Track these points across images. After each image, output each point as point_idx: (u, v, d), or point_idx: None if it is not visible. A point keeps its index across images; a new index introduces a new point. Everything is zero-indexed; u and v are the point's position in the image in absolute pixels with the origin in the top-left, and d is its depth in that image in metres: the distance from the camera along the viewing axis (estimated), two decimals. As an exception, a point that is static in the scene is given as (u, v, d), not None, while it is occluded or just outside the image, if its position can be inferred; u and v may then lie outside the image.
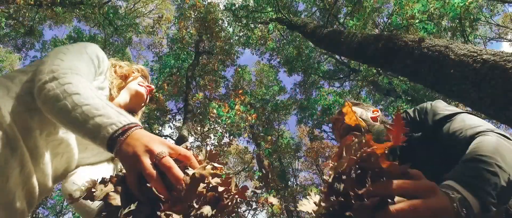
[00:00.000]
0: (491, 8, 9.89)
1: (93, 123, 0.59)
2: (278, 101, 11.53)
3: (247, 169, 11.30)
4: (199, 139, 9.03)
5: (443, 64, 1.54)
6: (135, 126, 0.59)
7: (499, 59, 1.24)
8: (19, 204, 0.72)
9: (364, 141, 0.45)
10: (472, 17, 6.16)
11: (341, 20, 7.52)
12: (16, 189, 0.71)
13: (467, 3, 5.23)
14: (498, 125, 10.18)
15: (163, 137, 10.48)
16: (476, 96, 1.37)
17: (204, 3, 9.48)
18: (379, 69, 7.67)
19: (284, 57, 9.85)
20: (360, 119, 1.05)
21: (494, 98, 1.28)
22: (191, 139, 8.78)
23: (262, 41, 9.63)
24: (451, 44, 1.59)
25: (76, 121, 0.61)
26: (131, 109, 1.05)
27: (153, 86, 1.16)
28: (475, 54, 1.37)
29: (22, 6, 7.23)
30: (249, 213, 8.19)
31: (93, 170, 0.96)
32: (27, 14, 8.13)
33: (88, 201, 0.56)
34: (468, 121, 0.83)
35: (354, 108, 1.26)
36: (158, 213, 0.50)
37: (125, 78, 1.07)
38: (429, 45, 1.70)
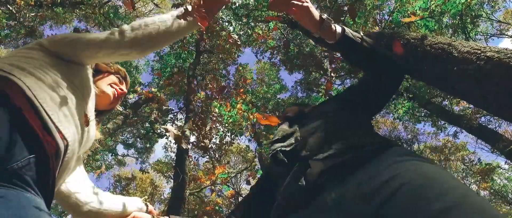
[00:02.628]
0: (493, 4, 9.81)
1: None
2: (279, 100, 11.51)
3: (249, 168, 11.31)
4: (200, 138, 9.00)
5: (446, 61, 1.52)
6: None
7: (503, 57, 1.23)
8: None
9: None
10: (473, 13, 6.13)
11: (342, 18, 7.48)
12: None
13: (468, 0, 5.20)
14: (500, 122, 10.15)
15: (164, 137, 10.48)
16: (479, 94, 1.36)
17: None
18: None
19: (284, 55, 9.83)
20: None
21: (498, 96, 1.27)
22: (192, 138, 8.76)
23: (262, 40, 9.60)
24: (454, 41, 1.58)
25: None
26: (95, 106, 1.01)
27: (125, 90, 1.13)
28: (479, 51, 1.36)
29: (23, 7, 7.23)
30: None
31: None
32: (27, 15, 8.13)
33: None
34: None
35: None
36: None
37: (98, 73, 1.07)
38: (431, 42, 1.69)
